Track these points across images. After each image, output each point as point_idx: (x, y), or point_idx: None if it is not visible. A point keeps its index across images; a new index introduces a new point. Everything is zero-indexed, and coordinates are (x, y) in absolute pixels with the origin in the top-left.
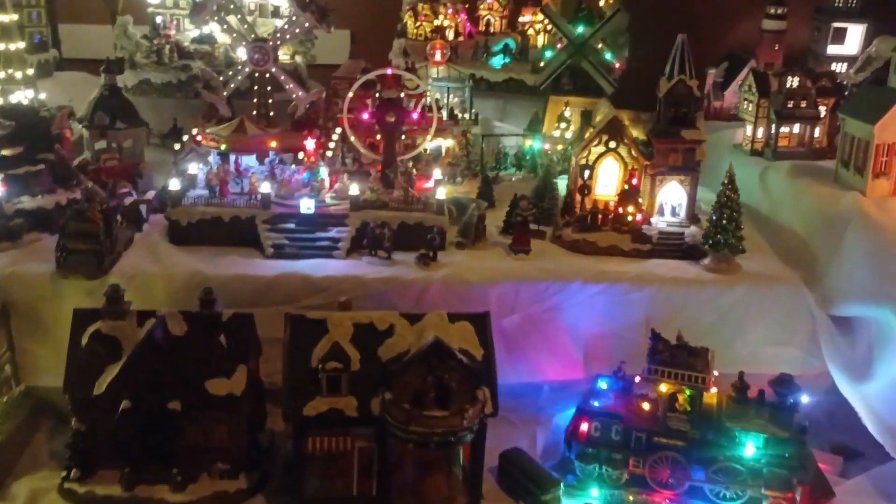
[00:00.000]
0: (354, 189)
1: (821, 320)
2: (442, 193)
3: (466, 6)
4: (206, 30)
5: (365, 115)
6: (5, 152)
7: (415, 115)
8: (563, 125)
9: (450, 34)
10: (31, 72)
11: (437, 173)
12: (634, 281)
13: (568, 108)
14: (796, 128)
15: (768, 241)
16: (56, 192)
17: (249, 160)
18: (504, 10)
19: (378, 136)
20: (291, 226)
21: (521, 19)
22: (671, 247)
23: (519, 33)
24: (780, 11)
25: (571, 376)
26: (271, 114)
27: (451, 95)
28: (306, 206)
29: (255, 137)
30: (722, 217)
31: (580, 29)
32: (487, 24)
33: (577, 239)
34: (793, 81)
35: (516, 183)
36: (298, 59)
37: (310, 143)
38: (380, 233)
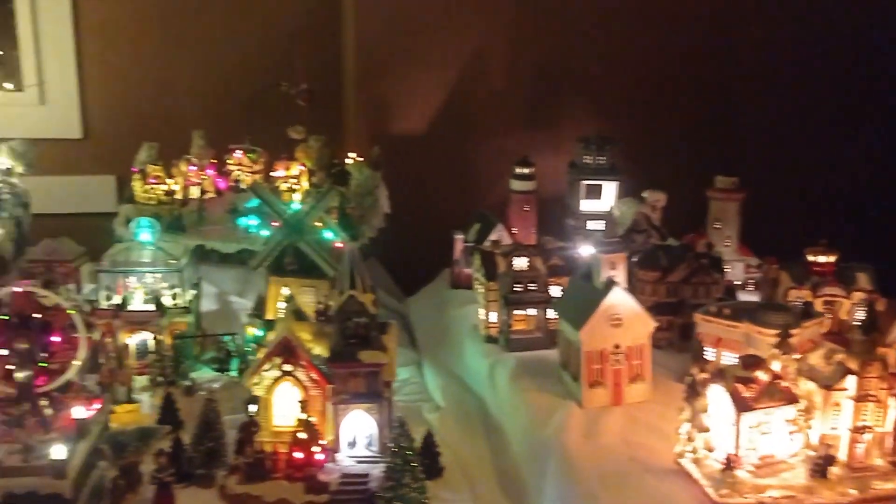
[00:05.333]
0: None
1: None
2: (62, 452)
3: (214, 161)
4: None
5: None
6: None
7: (56, 338)
8: None
9: (195, 191)
10: None
11: (77, 411)
12: None
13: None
14: (531, 310)
15: (491, 457)
16: None
17: None
18: (254, 166)
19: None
20: None
21: (273, 174)
22: (353, 495)
23: (272, 189)
24: (527, 172)
25: None
26: None
27: (162, 281)
28: None
29: None
30: (394, 470)
31: (295, 206)
32: (237, 181)
33: (240, 493)
34: (521, 262)
35: (218, 393)
36: None
37: None
38: None
